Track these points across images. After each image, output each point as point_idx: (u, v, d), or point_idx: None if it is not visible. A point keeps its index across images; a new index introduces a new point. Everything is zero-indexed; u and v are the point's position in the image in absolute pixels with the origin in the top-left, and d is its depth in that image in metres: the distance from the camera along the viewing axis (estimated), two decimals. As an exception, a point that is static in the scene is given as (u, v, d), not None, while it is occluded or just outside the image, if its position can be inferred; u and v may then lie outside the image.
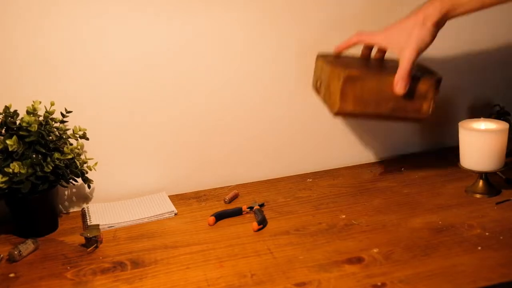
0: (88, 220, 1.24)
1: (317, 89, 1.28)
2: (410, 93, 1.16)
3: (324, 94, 1.22)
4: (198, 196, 1.37)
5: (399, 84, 1.15)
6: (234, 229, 1.19)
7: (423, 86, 1.17)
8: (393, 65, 1.17)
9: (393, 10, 1.37)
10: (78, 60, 1.27)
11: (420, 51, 1.14)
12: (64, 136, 1.22)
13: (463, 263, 1.00)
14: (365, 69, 1.21)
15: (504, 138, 1.23)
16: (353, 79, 1.15)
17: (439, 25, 1.13)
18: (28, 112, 1.18)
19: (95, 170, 1.26)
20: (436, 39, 1.14)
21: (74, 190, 1.34)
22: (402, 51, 1.14)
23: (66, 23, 1.24)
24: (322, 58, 1.27)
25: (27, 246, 1.12)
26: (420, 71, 1.20)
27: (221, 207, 1.30)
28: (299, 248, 1.09)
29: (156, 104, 1.34)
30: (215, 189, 1.41)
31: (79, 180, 1.25)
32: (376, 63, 1.25)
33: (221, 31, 1.34)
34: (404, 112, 1.18)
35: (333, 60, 1.24)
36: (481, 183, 1.28)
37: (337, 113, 1.19)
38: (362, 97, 1.17)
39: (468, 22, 1.49)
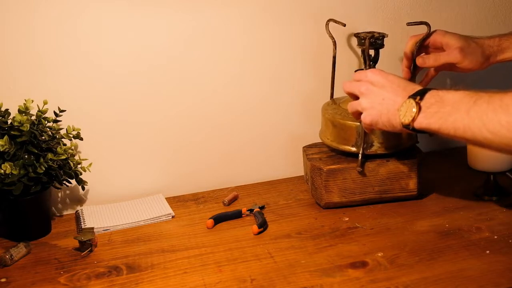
0: (82, 223, 1.24)
1: (307, 182, 1.32)
2: (394, 176, 1.23)
3: (311, 188, 1.27)
4: (196, 198, 1.36)
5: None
6: (233, 232, 1.18)
7: (405, 167, 1.23)
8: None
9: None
10: (72, 57, 1.25)
11: None
12: (57, 136, 1.21)
13: (471, 268, 1.00)
14: (343, 159, 1.25)
15: (513, 138, 1.22)
16: (334, 172, 1.21)
17: None
18: (20, 111, 1.17)
19: (89, 171, 1.25)
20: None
21: (67, 192, 1.33)
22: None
23: (60, 19, 1.23)
24: (304, 152, 1.32)
25: (19, 250, 1.11)
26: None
27: (220, 209, 1.28)
28: (301, 252, 1.09)
29: (153, 104, 1.33)
30: (214, 190, 1.39)
31: (73, 181, 1.24)
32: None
33: (221, 31, 1.33)
34: (392, 193, 1.24)
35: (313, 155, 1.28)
36: (489, 184, 1.26)
37: (325, 206, 1.24)
38: (346, 187, 1.22)
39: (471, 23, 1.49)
